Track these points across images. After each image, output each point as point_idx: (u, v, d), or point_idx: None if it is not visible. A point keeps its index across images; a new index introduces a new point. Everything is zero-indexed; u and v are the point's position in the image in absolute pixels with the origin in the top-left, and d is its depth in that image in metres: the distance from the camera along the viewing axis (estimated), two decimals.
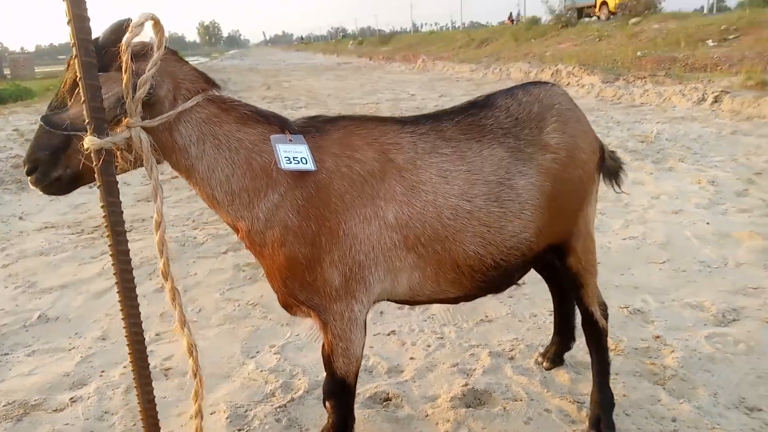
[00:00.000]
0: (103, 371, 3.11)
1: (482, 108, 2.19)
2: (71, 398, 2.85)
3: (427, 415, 2.60)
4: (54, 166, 1.79)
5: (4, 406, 2.79)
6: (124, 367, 3.12)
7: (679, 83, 12.21)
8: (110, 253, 1.72)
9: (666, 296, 3.61)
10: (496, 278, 2.17)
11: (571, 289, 2.46)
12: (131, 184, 7.21)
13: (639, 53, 16.37)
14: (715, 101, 10.56)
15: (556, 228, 2.22)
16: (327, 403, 2.15)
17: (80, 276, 4.38)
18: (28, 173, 1.81)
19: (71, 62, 1.72)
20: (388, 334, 3.33)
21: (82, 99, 1.56)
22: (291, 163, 1.86)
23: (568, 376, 2.84)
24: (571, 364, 2.93)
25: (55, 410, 2.77)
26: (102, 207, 1.67)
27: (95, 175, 1.75)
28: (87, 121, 1.59)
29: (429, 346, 3.19)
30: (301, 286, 1.97)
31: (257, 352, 3.23)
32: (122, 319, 1.77)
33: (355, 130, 2.02)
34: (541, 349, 3.03)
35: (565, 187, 2.19)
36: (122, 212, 1.71)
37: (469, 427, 2.50)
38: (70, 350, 3.35)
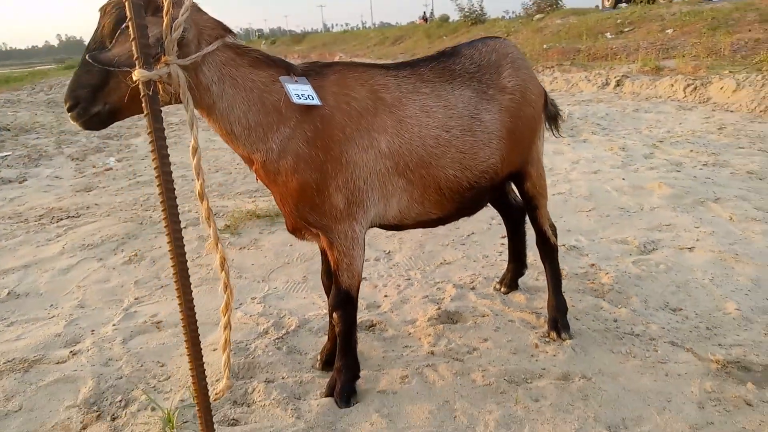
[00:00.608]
0: (93, 330, 3.25)
1: (450, 56, 2.58)
2: (71, 351, 2.99)
3: (409, 333, 2.96)
4: (93, 103, 2.00)
5: (4, 363, 2.89)
6: (114, 325, 3.27)
7: (584, 71, 13.25)
8: (156, 174, 1.95)
9: (595, 235, 4.15)
10: (471, 199, 2.57)
11: (527, 211, 2.90)
12: (63, 177, 7.12)
13: (545, 46, 17.48)
14: (618, 85, 11.59)
15: (515, 156, 2.65)
16: (334, 315, 2.46)
17: (40, 256, 4.41)
18: (70, 109, 2.01)
19: (107, 9, 1.95)
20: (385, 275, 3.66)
21: (132, 37, 1.80)
22: (301, 99, 2.16)
23: (523, 297, 3.28)
24: (524, 289, 3.38)
25: (58, 362, 2.91)
26: (149, 133, 1.91)
27: (130, 111, 2.00)
28: (136, 56, 1.82)
29: (399, 285, 3.55)
30: (311, 209, 2.27)
31: (240, 303, 3.47)
32: (168, 242, 1.99)
33: (348, 73, 2.35)
34: (498, 279, 3.47)
35: (520, 122, 2.62)
36: (166, 138, 1.95)
37: (448, 338, 2.88)
38: (51, 317, 3.44)
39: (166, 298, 3.61)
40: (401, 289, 3.49)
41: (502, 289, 3.36)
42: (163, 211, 1.97)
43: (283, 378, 2.66)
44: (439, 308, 3.17)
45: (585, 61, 14.83)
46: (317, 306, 3.37)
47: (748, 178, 5.27)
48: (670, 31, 16.01)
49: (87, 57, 1.94)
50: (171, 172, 1.94)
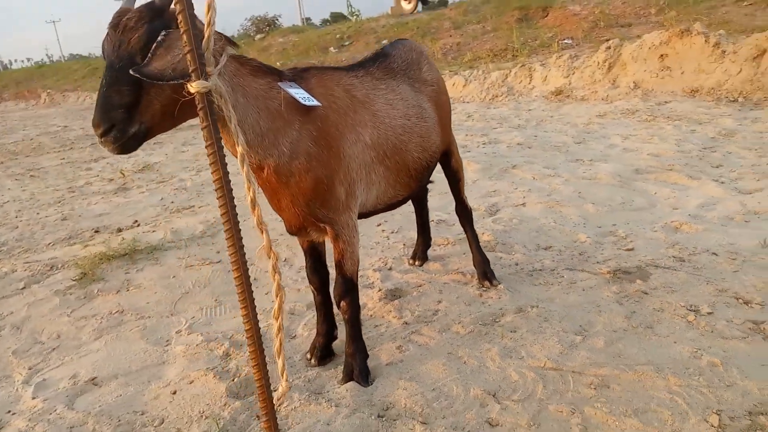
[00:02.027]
0: (9, 410, 2.78)
1: (386, 57, 2.93)
2: None
3: (371, 316, 3.22)
4: (130, 123, 1.88)
5: None
6: (35, 398, 2.85)
7: None
8: (216, 187, 1.92)
9: (450, 209, 4.83)
10: (424, 177, 2.96)
11: (452, 184, 3.38)
12: None
13: (278, 63, 18.25)
14: None
15: (444, 137, 3.11)
16: (342, 303, 2.62)
17: None
18: (104, 134, 1.85)
19: (128, 24, 1.87)
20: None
21: (187, 48, 1.77)
22: (306, 101, 2.30)
23: (438, 264, 3.77)
24: (433, 259, 3.86)
25: None
26: (209, 145, 1.88)
27: (161, 128, 1.95)
28: (193, 67, 1.80)
29: None
30: (321, 204, 2.42)
31: (168, 341, 3.28)
32: (231, 253, 1.97)
33: (323, 75, 2.54)
34: (408, 256, 3.89)
35: (442, 109, 3.09)
36: (223, 147, 1.93)
37: (408, 309, 3.22)
38: None
39: (71, 359, 3.20)
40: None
41: (417, 263, 3.79)
42: (225, 222, 1.97)
43: (289, 382, 2.70)
44: (380, 290, 3.47)
45: None
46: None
47: (520, 148, 6.56)
48: (385, 41, 18.11)
49: (133, 72, 1.82)
50: (230, 181, 1.95)
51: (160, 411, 2.63)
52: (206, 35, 1.89)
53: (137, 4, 2.05)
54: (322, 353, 2.85)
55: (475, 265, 3.47)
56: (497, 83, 10.72)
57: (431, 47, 15.52)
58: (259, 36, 23.23)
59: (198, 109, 1.86)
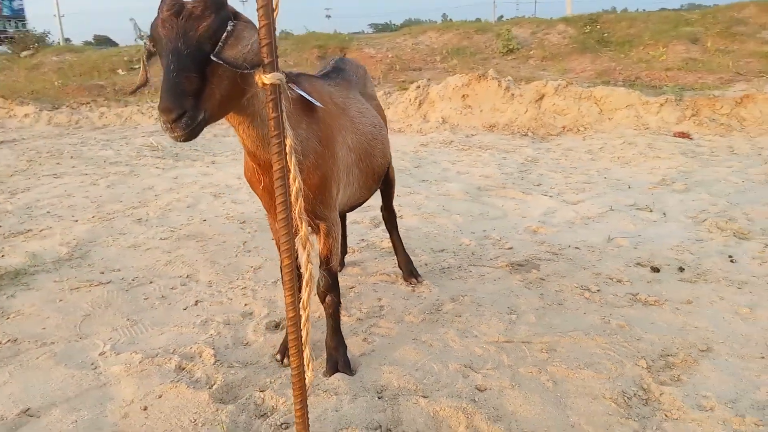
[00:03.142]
0: None
1: (343, 71, 3.15)
2: None
3: (319, 317, 3.33)
4: (198, 110, 1.86)
5: None
6: None
7: (124, 106, 13.39)
8: (277, 176, 1.97)
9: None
10: (379, 184, 3.22)
11: (387, 192, 3.66)
12: None
13: (58, 82, 16.52)
14: None
15: (385, 148, 3.41)
16: (327, 299, 2.75)
17: None
18: (176, 119, 1.80)
19: (195, 11, 1.87)
20: (275, 282, 3.63)
21: (266, 41, 1.84)
22: (315, 102, 2.45)
23: (358, 269, 4.01)
24: (350, 264, 4.08)
25: None
26: (275, 135, 1.93)
27: (215, 119, 1.98)
28: (269, 59, 1.87)
29: (249, 295, 3.71)
30: (321, 201, 2.55)
31: (93, 364, 3.01)
32: (281, 227, 2.02)
33: (312, 81, 2.70)
34: None
35: (383, 121, 3.40)
36: (287, 137, 1.98)
37: (354, 307, 3.40)
38: None
39: None
40: (258, 297, 3.67)
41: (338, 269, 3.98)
42: (281, 211, 2.04)
43: (272, 382, 2.72)
44: (316, 294, 3.59)
45: (118, 96, 14.87)
46: (191, 331, 3.26)
47: None
48: None
49: (215, 57, 1.81)
50: (290, 171, 2.03)
51: (139, 428, 2.45)
52: (273, 27, 1.98)
53: None
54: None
55: (401, 265, 3.79)
56: None
57: None
58: (25, 53, 20.64)
59: (269, 100, 1.92)
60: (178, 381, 2.74)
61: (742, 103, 8.85)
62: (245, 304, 3.58)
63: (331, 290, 2.76)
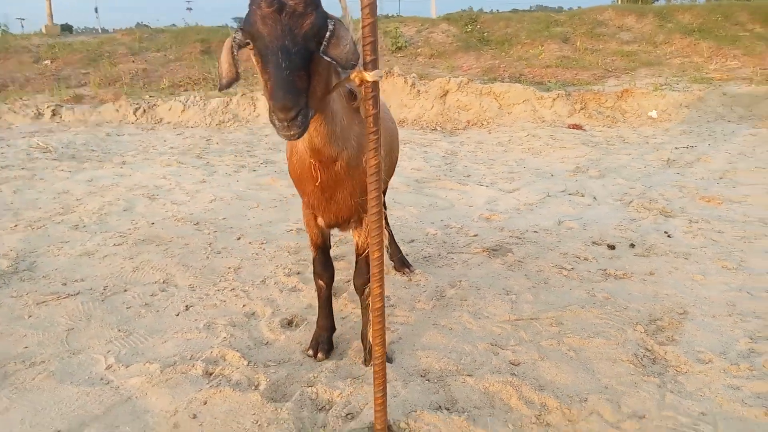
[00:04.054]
0: None
1: None
2: None
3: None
4: (308, 108, 1.86)
5: None
6: None
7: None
8: (372, 171, 2.01)
9: (275, 225, 5.06)
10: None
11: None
12: None
13: None
14: (54, 114, 11.30)
15: (397, 142, 3.49)
16: (367, 289, 2.79)
17: None
18: (294, 117, 1.79)
19: (297, 9, 1.87)
20: (262, 281, 3.50)
21: (370, 39, 1.88)
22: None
23: (344, 262, 4.04)
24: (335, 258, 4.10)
25: None
26: (372, 132, 1.97)
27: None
28: (372, 57, 1.91)
29: (245, 296, 3.63)
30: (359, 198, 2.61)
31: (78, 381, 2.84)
32: (372, 221, 2.06)
33: None
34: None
35: None
36: (380, 136, 2.02)
37: (355, 301, 3.46)
38: None
39: None
40: (253, 297, 3.60)
41: (406, 270, 3.99)
42: (373, 206, 2.09)
43: (316, 377, 2.73)
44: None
45: None
46: (199, 336, 3.14)
47: None
48: (47, 62, 16.06)
49: (324, 55, 1.82)
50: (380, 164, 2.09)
51: None
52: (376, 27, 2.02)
53: None
54: (329, 346, 2.93)
55: (392, 257, 3.89)
56: (220, 110, 10.84)
57: (110, 71, 14.51)
58: None
59: (370, 96, 1.97)
60: (217, 385, 2.66)
61: (623, 97, 9.90)
62: (243, 305, 3.50)
63: (367, 281, 2.81)
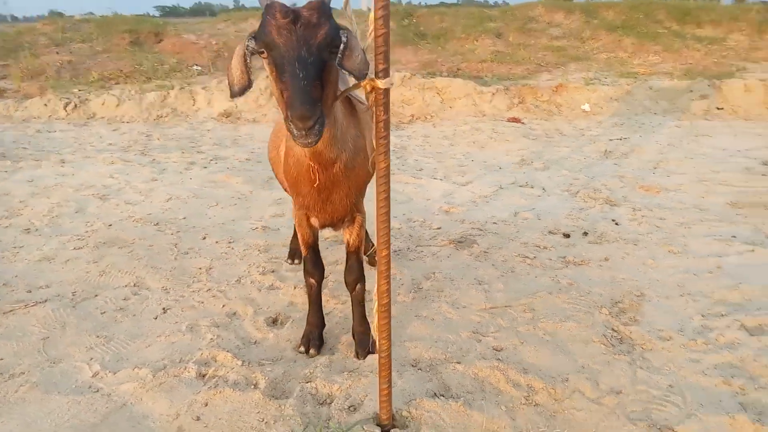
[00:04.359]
0: None
1: None
2: None
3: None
4: (323, 116, 1.94)
5: None
6: None
7: None
8: (381, 174, 2.10)
9: (240, 223, 5.06)
10: None
11: None
12: None
13: None
14: None
15: None
16: (358, 286, 2.90)
17: None
18: (312, 126, 1.86)
19: (312, 19, 1.94)
20: (237, 280, 3.48)
21: (382, 48, 1.97)
22: (363, 101, 2.58)
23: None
24: None
25: None
26: (382, 137, 2.05)
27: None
28: (384, 66, 2.00)
29: (227, 296, 3.64)
30: (362, 195, 2.70)
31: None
32: (380, 221, 2.16)
33: None
34: (281, 257, 4.09)
35: None
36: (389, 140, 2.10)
37: (337, 297, 3.54)
38: None
39: None
40: (232, 297, 3.61)
41: (296, 262, 4.04)
42: (382, 207, 2.19)
43: (312, 372, 2.81)
44: (295, 287, 3.64)
45: None
46: (183, 339, 3.15)
47: (249, 163, 7.00)
48: None
49: (340, 67, 1.91)
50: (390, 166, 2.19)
51: None
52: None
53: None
54: (320, 342, 3.00)
55: (365, 252, 3.98)
56: (157, 104, 10.52)
57: (33, 63, 13.77)
58: None
59: (380, 103, 2.06)
60: (215, 386, 2.69)
61: (558, 92, 10.36)
62: (222, 306, 3.51)
63: (361, 277, 2.91)
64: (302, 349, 2.99)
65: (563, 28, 16.52)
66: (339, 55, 2.00)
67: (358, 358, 2.93)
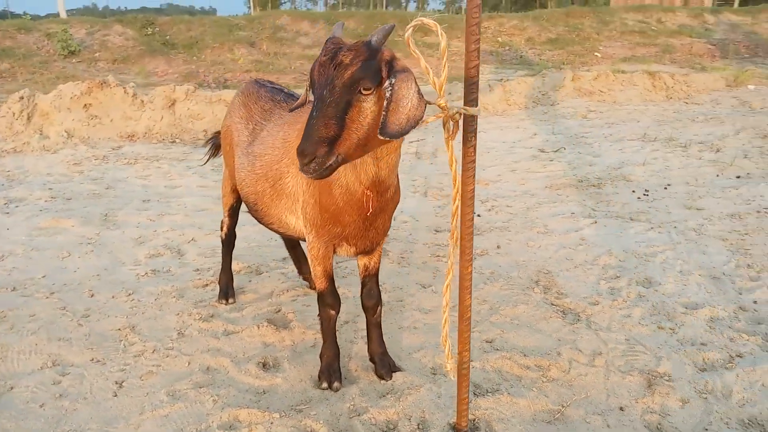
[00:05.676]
0: None
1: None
2: None
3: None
4: (330, 156, 2.02)
5: None
6: None
7: None
8: (468, 196, 2.22)
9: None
10: None
11: None
12: None
13: None
14: None
15: None
16: (379, 308, 2.91)
17: None
18: (307, 163, 1.99)
19: (345, 60, 2.05)
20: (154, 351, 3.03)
21: (473, 79, 2.10)
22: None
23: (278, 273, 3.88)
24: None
25: None
26: (470, 162, 2.17)
27: (351, 159, 2.19)
28: (473, 95, 2.13)
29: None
30: (391, 219, 2.75)
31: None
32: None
33: None
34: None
35: None
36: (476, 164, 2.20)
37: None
38: None
39: None
40: (189, 352, 3.24)
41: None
42: (469, 226, 2.32)
43: (355, 406, 2.77)
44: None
45: None
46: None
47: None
48: None
49: (382, 137, 2.08)
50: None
51: None
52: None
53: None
54: (340, 374, 2.94)
55: (307, 277, 3.90)
56: None
57: None
58: None
59: (470, 130, 2.19)
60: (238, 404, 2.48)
61: None
62: (188, 363, 3.15)
63: (380, 301, 2.93)
64: (325, 384, 2.89)
65: (311, 36, 17.26)
66: (383, 114, 2.07)
67: (384, 379, 2.95)
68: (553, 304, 3.76)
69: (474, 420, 2.65)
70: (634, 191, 5.94)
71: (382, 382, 2.95)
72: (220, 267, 3.84)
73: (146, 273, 4.25)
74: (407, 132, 2.08)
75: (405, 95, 2.11)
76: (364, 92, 2.08)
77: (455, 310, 2.53)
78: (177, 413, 2.74)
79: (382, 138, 2.08)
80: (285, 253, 4.52)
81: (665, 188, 6.00)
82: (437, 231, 5.09)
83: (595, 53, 16.53)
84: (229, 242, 3.76)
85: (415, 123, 2.11)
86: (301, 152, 2.01)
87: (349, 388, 2.89)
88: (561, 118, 9.86)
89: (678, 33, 18.14)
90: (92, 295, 3.90)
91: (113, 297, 3.88)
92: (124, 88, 9.51)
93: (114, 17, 16.61)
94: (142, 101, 9.59)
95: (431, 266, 4.33)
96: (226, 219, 3.71)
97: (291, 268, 4.20)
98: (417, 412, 2.69)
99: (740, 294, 3.80)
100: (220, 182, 7.01)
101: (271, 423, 2.62)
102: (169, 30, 16.16)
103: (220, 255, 4.15)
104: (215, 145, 3.92)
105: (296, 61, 15.23)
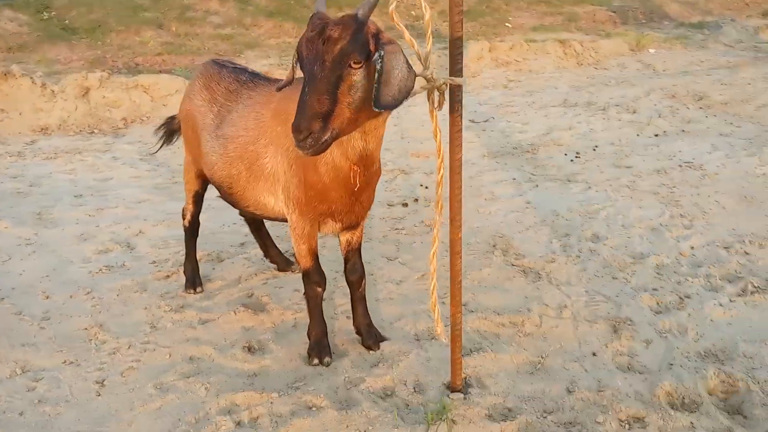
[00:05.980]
0: None
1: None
2: None
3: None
4: (325, 131, 2.07)
5: None
6: None
7: None
8: (456, 166, 2.30)
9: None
10: None
11: None
12: None
13: None
14: None
15: None
16: (363, 282, 2.98)
17: None
18: (303, 139, 2.04)
19: (337, 35, 2.09)
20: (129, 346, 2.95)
21: (458, 50, 2.18)
22: None
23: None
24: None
25: None
26: (457, 132, 2.25)
27: (345, 134, 2.27)
28: (459, 65, 2.20)
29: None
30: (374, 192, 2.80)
31: None
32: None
33: None
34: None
35: None
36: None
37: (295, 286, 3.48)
38: None
39: None
40: (167, 344, 3.18)
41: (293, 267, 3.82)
42: (458, 194, 2.42)
43: (350, 378, 2.83)
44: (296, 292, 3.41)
45: None
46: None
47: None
48: None
49: (377, 109, 2.15)
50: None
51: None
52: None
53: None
54: (330, 348, 2.98)
55: (275, 260, 3.89)
56: None
57: None
58: None
59: (457, 100, 2.27)
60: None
61: None
62: (168, 355, 3.10)
63: (364, 275, 2.99)
64: (316, 361, 2.92)
65: (222, 15, 16.63)
66: (375, 90, 2.11)
67: (372, 349, 3.03)
68: (513, 265, 3.95)
69: (466, 378, 2.78)
70: (566, 154, 6.26)
71: (371, 352, 3.02)
72: (184, 256, 3.75)
73: (100, 269, 4.08)
74: (401, 102, 2.13)
75: (395, 66, 2.16)
76: (354, 66, 2.12)
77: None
78: (170, 405, 2.70)
79: (376, 110, 2.13)
80: (242, 238, 4.48)
81: (594, 150, 6.36)
82: (390, 205, 5.18)
83: (506, 24, 17.01)
84: (193, 230, 3.68)
85: (407, 93, 2.16)
86: (296, 128, 2.05)
87: (341, 362, 2.95)
88: (484, 89, 10.13)
89: (581, 1, 18.93)
90: (47, 297, 3.71)
91: (71, 297, 3.71)
92: (31, 77, 8.91)
93: (2, 2, 15.28)
94: (53, 91, 9.03)
95: (392, 239, 4.42)
96: (190, 206, 3.61)
97: (253, 252, 4.16)
98: (410, 376, 2.80)
99: (678, 242, 4.15)
100: (153, 172, 6.81)
101: (271, 403, 2.65)
102: (67, 14, 15.10)
103: (174, 246, 4.08)
104: (169, 131, 3.78)
105: (209, 41, 14.68)
